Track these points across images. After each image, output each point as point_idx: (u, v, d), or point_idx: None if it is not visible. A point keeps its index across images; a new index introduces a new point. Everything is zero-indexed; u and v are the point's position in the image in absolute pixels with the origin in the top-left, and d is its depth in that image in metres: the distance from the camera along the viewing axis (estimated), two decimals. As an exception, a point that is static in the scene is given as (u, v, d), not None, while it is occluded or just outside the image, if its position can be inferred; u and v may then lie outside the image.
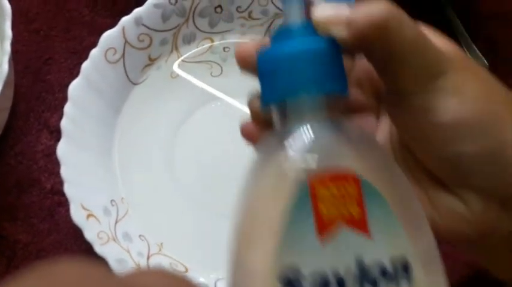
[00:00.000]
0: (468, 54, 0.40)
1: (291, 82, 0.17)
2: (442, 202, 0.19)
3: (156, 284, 0.14)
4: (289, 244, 0.16)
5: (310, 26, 0.18)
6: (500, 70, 0.40)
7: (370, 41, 0.17)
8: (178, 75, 0.36)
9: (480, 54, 0.40)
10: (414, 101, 0.18)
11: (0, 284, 0.12)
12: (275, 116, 0.18)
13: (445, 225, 0.19)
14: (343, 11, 0.17)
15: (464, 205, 0.19)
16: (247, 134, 0.22)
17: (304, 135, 0.17)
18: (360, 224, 0.16)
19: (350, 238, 0.16)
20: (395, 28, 0.17)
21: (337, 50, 0.18)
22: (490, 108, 0.19)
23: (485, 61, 0.39)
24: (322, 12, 0.17)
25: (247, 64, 0.20)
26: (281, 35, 0.18)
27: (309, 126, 0.17)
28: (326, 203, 0.16)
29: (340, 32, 0.17)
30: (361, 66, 0.21)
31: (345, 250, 0.16)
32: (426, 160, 0.19)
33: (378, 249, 0.16)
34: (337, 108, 0.18)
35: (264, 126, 0.21)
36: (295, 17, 0.18)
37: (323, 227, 0.16)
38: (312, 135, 0.17)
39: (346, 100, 0.18)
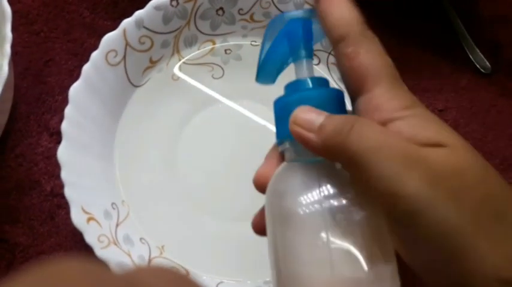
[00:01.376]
0: (471, 57, 0.40)
1: None
2: None
3: (156, 281, 0.14)
4: None
5: (315, 80, 0.21)
6: (503, 72, 0.40)
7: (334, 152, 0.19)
8: (179, 77, 0.36)
9: (483, 57, 0.39)
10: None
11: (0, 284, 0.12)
12: (286, 151, 0.22)
13: None
14: (317, 119, 0.19)
15: None
16: (259, 184, 0.23)
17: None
18: None
19: None
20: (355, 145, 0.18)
21: (341, 98, 0.21)
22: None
23: (488, 63, 0.39)
24: (300, 114, 0.20)
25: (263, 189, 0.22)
26: (292, 86, 0.22)
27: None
28: None
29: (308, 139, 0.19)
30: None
31: None
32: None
33: None
34: None
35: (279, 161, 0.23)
36: (303, 73, 0.22)
37: None
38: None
39: None
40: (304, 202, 0.19)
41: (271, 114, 0.35)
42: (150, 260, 0.31)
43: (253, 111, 0.36)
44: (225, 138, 0.35)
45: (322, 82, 0.22)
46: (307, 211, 0.19)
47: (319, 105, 0.20)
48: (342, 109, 0.21)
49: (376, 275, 0.19)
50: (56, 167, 0.31)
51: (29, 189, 0.34)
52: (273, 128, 0.35)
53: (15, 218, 0.34)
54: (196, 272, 0.31)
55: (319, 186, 0.19)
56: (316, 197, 0.19)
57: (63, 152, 0.30)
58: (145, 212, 0.32)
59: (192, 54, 0.36)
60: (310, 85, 0.21)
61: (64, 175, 0.30)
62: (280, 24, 0.22)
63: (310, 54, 0.22)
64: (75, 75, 0.36)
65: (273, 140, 0.35)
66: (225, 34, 0.36)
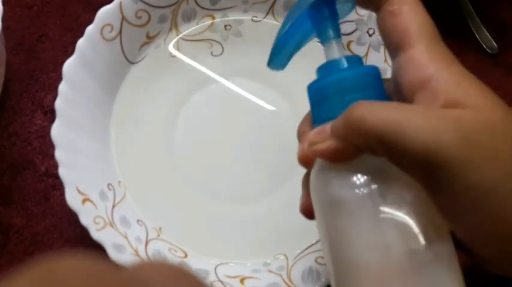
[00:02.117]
0: (477, 36, 0.39)
1: (338, 103, 0.20)
2: None
3: (159, 277, 0.14)
4: None
5: (349, 59, 0.21)
6: (510, 52, 0.39)
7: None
8: (177, 54, 0.35)
9: (489, 36, 0.38)
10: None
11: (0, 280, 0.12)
12: None
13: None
14: (326, 127, 0.20)
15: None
16: (305, 160, 0.22)
17: None
18: None
19: None
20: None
21: (377, 74, 0.20)
22: None
23: (494, 43, 0.38)
24: (311, 135, 0.20)
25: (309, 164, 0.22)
26: (326, 68, 0.21)
27: None
28: None
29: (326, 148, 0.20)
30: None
31: None
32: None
33: None
34: None
35: None
36: (334, 54, 0.21)
37: None
38: None
39: None
40: (352, 187, 0.19)
41: (271, 93, 0.35)
42: (147, 242, 0.30)
43: (253, 90, 0.35)
44: (224, 117, 0.34)
45: (355, 60, 0.21)
46: (356, 196, 0.19)
47: (357, 85, 0.20)
48: (379, 86, 0.20)
49: (434, 253, 0.18)
50: (51, 146, 0.30)
51: (22, 169, 0.34)
52: (273, 107, 0.34)
53: (9, 199, 0.33)
54: (194, 254, 0.30)
55: (365, 170, 0.19)
56: (363, 180, 0.19)
57: (57, 131, 0.29)
58: (143, 193, 0.32)
59: (190, 30, 0.35)
60: (346, 65, 0.21)
61: (58, 154, 0.29)
62: (303, 6, 0.21)
63: (338, 34, 0.22)
64: (69, 51, 0.35)
65: (272, 119, 0.34)
66: (225, 9, 0.35)
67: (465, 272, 0.20)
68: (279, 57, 0.23)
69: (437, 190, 0.18)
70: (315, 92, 0.21)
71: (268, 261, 0.31)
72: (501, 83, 0.38)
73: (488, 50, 0.38)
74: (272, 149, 0.33)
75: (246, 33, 0.35)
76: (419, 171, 0.17)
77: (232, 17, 0.35)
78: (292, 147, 0.33)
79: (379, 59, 0.33)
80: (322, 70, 0.22)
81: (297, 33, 0.23)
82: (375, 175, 0.19)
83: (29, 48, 0.37)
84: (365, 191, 0.19)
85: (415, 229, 0.18)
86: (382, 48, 0.33)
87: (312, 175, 0.21)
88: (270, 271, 0.30)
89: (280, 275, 0.30)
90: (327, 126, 0.20)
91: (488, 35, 0.38)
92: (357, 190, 0.19)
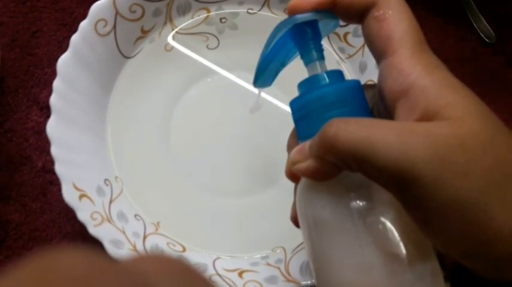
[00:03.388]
0: (476, 26, 0.38)
1: (320, 120, 0.19)
2: None
3: (155, 270, 0.14)
4: None
5: (330, 74, 0.21)
6: (508, 42, 0.38)
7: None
8: (172, 48, 0.34)
9: (488, 26, 0.38)
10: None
11: None
12: None
13: None
14: (306, 145, 0.20)
15: None
16: (291, 177, 0.22)
17: None
18: None
19: None
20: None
21: (359, 89, 0.20)
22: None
23: (493, 32, 0.38)
24: (292, 153, 0.20)
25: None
26: (308, 83, 0.21)
27: None
28: None
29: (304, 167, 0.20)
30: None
31: None
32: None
33: None
34: None
35: None
36: (316, 70, 0.21)
37: None
38: None
39: None
40: (333, 207, 0.19)
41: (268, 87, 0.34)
42: (145, 237, 0.30)
43: (250, 82, 0.34)
44: (221, 111, 0.34)
45: (337, 75, 0.21)
46: (337, 216, 0.19)
47: (338, 101, 0.20)
48: (361, 100, 0.20)
49: (415, 274, 0.18)
50: (47, 142, 0.30)
51: (19, 165, 0.34)
52: (271, 100, 0.34)
53: (7, 195, 0.33)
54: (192, 248, 0.31)
55: (346, 188, 0.19)
56: (345, 200, 0.19)
57: (52, 127, 0.29)
58: (140, 188, 0.32)
59: (185, 23, 0.35)
60: (327, 81, 0.21)
61: (54, 150, 0.29)
62: (285, 27, 0.21)
63: (321, 55, 0.22)
64: (64, 46, 0.35)
65: (269, 111, 0.34)
66: (220, 1, 0.35)
67: (456, 271, 0.20)
68: (263, 76, 0.23)
69: (412, 206, 0.17)
70: (297, 108, 0.21)
71: (266, 254, 0.31)
72: (500, 73, 0.38)
73: (486, 40, 0.38)
74: (270, 142, 0.33)
75: (242, 26, 0.35)
76: (394, 187, 0.17)
77: (228, 9, 0.35)
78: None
79: (375, 50, 0.33)
80: (304, 86, 0.21)
81: (281, 53, 0.23)
82: (356, 193, 0.19)
83: (23, 44, 0.36)
84: (346, 212, 0.19)
85: (397, 248, 0.18)
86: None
87: (297, 192, 0.21)
88: (268, 264, 0.30)
89: (279, 268, 0.30)
90: (307, 145, 0.20)
91: (487, 24, 0.38)
92: (338, 212, 0.19)
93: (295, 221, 0.23)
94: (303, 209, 0.21)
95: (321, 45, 0.22)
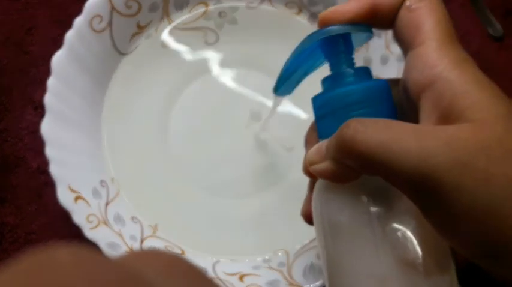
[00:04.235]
0: (482, 20, 0.37)
1: (343, 119, 0.19)
2: None
3: (152, 264, 0.14)
4: None
5: (359, 72, 0.20)
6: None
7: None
8: (170, 44, 0.33)
9: (494, 21, 0.37)
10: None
11: None
12: None
13: None
14: (323, 145, 0.19)
15: None
16: (308, 174, 0.22)
17: None
18: None
19: None
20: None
21: (385, 89, 0.20)
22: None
23: (499, 28, 0.37)
24: (309, 153, 0.20)
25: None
26: (332, 80, 0.21)
27: None
28: None
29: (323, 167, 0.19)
30: None
31: None
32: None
33: None
34: None
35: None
36: (340, 66, 0.20)
37: None
38: None
39: None
40: (351, 211, 0.19)
41: (268, 83, 0.33)
42: (142, 240, 0.29)
43: (250, 79, 0.33)
44: (220, 109, 0.33)
45: (364, 73, 0.20)
46: (355, 221, 0.18)
47: (363, 101, 0.19)
48: (387, 100, 0.20)
49: (432, 286, 0.18)
50: (42, 142, 0.29)
51: (14, 166, 0.33)
52: (269, 95, 0.33)
53: (2, 197, 0.32)
54: (192, 251, 0.30)
55: (365, 192, 0.19)
56: (363, 204, 0.18)
57: (47, 127, 0.28)
58: (137, 190, 0.31)
59: (183, 18, 0.34)
60: (352, 78, 0.20)
61: (49, 151, 0.28)
62: (317, 37, 0.20)
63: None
64: (59, 43, 0.34)
65: (270, 109, 0.33)
66: (219, -4, 0.34)
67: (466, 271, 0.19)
68: (286, 84, 0.23)
69: (431, 211, 0.17)
70: (320, 105, 0.20)
71: (268, 257, 0.30)
72: (506, 68, 0.37)
73: (493, 34, 0.37)
74: (271, 142, 0.32)
75: (242, 21, 0.34)
76: (412, 193, 0.17)
77: (227, 3, 0.34)
78: (292, 139, 0.32)
79: (380, 46, 0.32)
80: (328, 82, 0.21)
81: (307, 62, 0.22)
82: (376, 198, 0.18)
83: (17, 42, 0.35)
84: (365, 217, 0.18)
85: (414, 258, 0.18)
86: (383, 34, 0.32)
87: (314, 191, 0.21)
88: (271, 268, 0.29)
89: (281, 272, 0.29)
90: (324, 145, 0.19)
91: (494, 19, 0.37)
92: (356, 216, 0.18)
93: (306, 217, 0.23)
94: (319, 210, 0.20)
95: (352, 59, 0.21)
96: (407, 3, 0.20)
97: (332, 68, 0.21)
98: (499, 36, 0.37)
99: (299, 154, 0.23)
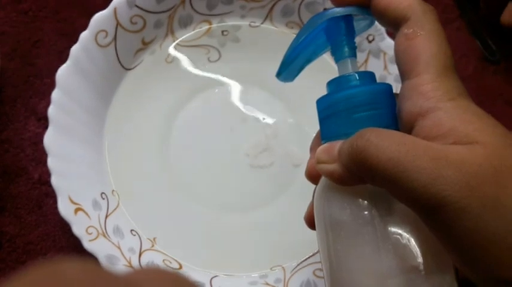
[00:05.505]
0: (478, 43, 0.38)
1: (348, 121, 0.19)
2: None
3: (155, 283, 0.14)
4: None
5: (361, 75, 0.20)
6: (511, 60, 0.38)
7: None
8: (173, 60, 0.34)
9: (491, 43, 0.38)
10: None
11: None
12: None
13: None
14: (335, 147, 0.19)
15: None
16: (311, 176, 0.22)
17: None
18: None
19: None
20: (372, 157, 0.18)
21: (390, 92, 0.20)
22: None
23: (495, 50, 0.37)
24: (320, 151, 0.20)
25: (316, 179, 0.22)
26: (337, 82, 0.21)
27: None
28: None
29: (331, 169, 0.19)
30: None
31: None
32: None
33: None
34: None
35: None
36: (347, 68, 0.21)
37: None
38: None
39: None
40: (354, 211, 0.19)
41: (269, 99, 0.34)
42: (141, 253, 0.29)
43: (252, 96, 0.34)
44: (220, 125, 0.33)
45: (368, 76, 0.20)
46: (357, 220, 0.18)
47: (367, 103, 0.19)
48: (391, 105, 0.20)
49: (432, 285, 0.18)
50: (44, 153, 0.29)
51: (15, 176, 0.33)
52: (271, 113, 0.34)
53: (2, 206, 0.32)
54: (189, 265, 0.30)
55: (369, 194, 0.19)
56: (366, 205, 0.18)
57: (49, 139, 0.29)
58: (137, 203, 0.31)
59: (186, 35, 0.34)
60: (357, 81, 0.20)
61: (51, 162, 0.28)
62: (319, 21, 0.21)
63: (354, 53, 0.21)
64: (64, 56, 0.35)
65: (270, 125, 0.34)
66: (222, 14, 0.35)
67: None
68: (289, 69, 0.22)
69: (436, 228, 0.17)
70: (324, 107, 0.20)
71: (265, 273, 0.30)
72: (502, 91, 0.37)
73: (489, 57, 0.38)
74: (270, 158, 0.33)
75: (244, 39, 0.35)
76: (418, 209, 0.17)
77: (230, 22, 0.35)
78: (291, 155, 0.33)
79: (378, 66, 0.32)
80: (333, 85, 0.21)
81: (310, 47, 0.22)
82: (378, 201, 0.18)
83: (23, 54, 0.36)
84: (367, 216, 0.18)
85: (415, 259, 0.18)
86: (381, 55, 0.32)
87: (316, 191, 0.21)
88: (267, 284, 0.29)
89: (277, 288, 0.29)
90: (335, 146, 0.19)
91: (490, 42, 0.38)
92: (358, 215, 0.18)
93: (308, 221, 0.23)
94: (321, 208, 0.20)
95: (354, 42, 0.21)
96: (405, 30, 0.19)
97: (334, 52, 0.21)
98: (495, 59, 0.38)
99: (300, 171, 0.23)
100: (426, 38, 0.19)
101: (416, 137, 0.18)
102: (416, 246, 0.18)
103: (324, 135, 0.21)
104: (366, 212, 0.18)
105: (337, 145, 0.19)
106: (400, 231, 0.18)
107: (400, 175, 0.16)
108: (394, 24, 0.20)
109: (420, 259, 0.18)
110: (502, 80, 0.38)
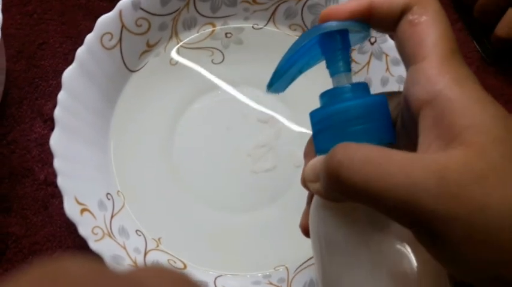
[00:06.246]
0: (477, 46, 0.38)
1: (340, 135, 0.19)
2: None
3: (159, 282, 0.14)
4: None
5: (355, 87, 0.20)
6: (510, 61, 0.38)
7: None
8: (177, 62, 0.34)
9: (489, 45, 0.38)
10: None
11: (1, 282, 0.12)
12: None
13: None
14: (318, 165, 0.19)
15: None
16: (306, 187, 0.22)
17: None
18: None
19: None
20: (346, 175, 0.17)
21: (384, 103, 0.19)
22: None
23: (494, 51, 0.37)
24: (306, 168, 0.20)
25: None
26: (331, 95, 0.20)
27: None
28: None
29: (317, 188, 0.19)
30: None
31: None
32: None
33: None
34: None
35: None
36: (342, 83, 0.20)
37: None
38: None
39: (392, 146, 0.19)
40: (347, 230, 0.18)
41: (272, 101, 0.34)
42: (146, 253, 0.30)
43: (255, 98, 0.34)
44: (224, 126, 0.34)
45: (362, 89, 0.20)
46: (351, 239, 0.18)
47: (361, 117, 0.19)
48: (385, 117, 0.19)
49: None
50: (50, 154, 0.30)
51: (21, 177, 0.33)
52: (274, 115, 0.34)
53: (8, 207, 0.33)
54: (194, 265, 0.30)
55: (362, 211, 0.18)
56: (360, 223, 0.18)
57: (56, 140, 0.29)
58: (142, 203, 0.31)
59: (190, 38, 0.35)
60: (350, 94, 0.20)
61: (57, 163, 0.29)
62: (314, 33, 0.20)
63: (349, 68, 0.21)
64: (69, 59, 0.35)
65: (273, 127, 0.34)
66: (226, 17, 0.35)
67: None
68: (280, 81, 0.22)
69: (426, 242, 0.17)
70: (317, 121, 0.20)
71: (268, 273, 0.30)
72: (504, 92, 0.37)
73: (488, 60, 0.38)
74: (272, 159, 0.33)
75: (247, 41, 0.35)
76: (406, 224, 0.17)
77: (233, 24, 0.35)
78: (293, 156, 0.33)
79: (380, 68, 0.33)
80: (326, 97, 0.21)
81: (303, 59, 0.22)
82: (371, 216, 0.18)
83: (29, 56, 0.36)
84: (361, 234, 0.18)
85: (410, 278, 0.18)
86: (384, 56, 0.33)
87: (312, 206, 0.21)
88: (271, 283, 0.29)
89: (281, 287, 0.29)
90: (318, 163, 0.19)
91: (489, 44, 0.38)
92: (352, 233, 0.18)
93: (304, 229, 0.22)
94: (316, 227, 0.20)
95: (349, 57, 0.21)
96: (410, 17, 0.19)
97: (329, 66, 0.21)
98: (492, 60, 0.38)
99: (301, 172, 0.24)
100: (430, 22, 0.19)
101: (421, 127, 0.18)
102: (411, 265, 0.18)
103: (318, 149, 0.20)
104: (360, 232, 0.18)
105: (318, 163, 0.19)
106: (394, 250, 0.18)
107: (379, 194, 0.16)
108: (397, 20, 0.20)
109: (415, 279, 0.18)
110: (503, 81, 0.38)
